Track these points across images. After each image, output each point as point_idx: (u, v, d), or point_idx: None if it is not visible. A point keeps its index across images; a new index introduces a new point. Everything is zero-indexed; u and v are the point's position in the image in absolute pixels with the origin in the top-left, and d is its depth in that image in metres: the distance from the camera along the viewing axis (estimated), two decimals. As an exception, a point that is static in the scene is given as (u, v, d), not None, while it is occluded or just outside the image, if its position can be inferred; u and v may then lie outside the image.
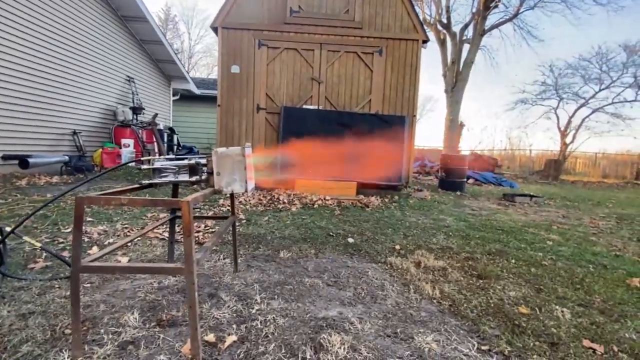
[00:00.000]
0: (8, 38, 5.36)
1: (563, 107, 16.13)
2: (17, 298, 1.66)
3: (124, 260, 2.24)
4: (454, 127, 15.94)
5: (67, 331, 1.37)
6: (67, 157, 5.98)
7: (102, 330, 1.40)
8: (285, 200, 4.84)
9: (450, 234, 3.63)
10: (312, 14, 5.89)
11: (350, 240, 3.15)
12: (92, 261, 1.19)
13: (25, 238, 2.06)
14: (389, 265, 2.51)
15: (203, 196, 1.39)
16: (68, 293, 1.71)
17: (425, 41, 6.15)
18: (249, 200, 4.75)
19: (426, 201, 5.84)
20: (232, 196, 2.18)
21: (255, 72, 5.92)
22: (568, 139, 15.73)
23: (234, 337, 1.40)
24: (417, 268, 2.47)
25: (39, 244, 1.77)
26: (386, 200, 5.57)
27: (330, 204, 4.94)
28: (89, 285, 1.85)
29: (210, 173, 1.59)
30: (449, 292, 2.06)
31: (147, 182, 1.58)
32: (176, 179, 1.64)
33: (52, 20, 6.22)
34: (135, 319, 1.50)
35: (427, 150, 19.66)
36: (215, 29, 5.89)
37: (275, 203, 4.69)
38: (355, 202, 5.17)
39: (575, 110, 15.64)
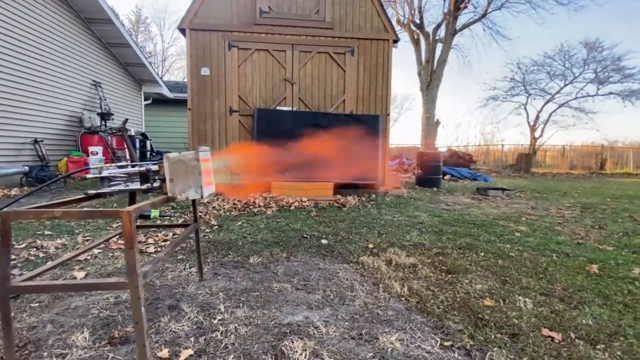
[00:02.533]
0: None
1: (531, 103, 16.78)
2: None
3: (80, 275, 2.12)
4: (430, 124, 16.29)
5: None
6: (26, 168, 5.65)
7: (45, 354, 1.31)
8: (261, 204, 4.76)
9: (424, 230, 3.68)
10: (283, 15, 5.84)
11: (324, 241, 3.12)
12: (26, 280, 1.10)
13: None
14: (360, 265, 2.50)
15: (151, 204, 1.32)
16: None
17: (395, 41, 6.23)
18: (223, 205, 4.64)
19: (402, 198, 5.92)
20: (194, 202, 2.10)
21: (227, 74, 5.80)
22: (537, 133, 16.38)
23: (190, 351, 1.34)
24: (388, 266, 2.47)
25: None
26: (363, 199, 5.59)
27: (307, 206, 4.90)
28: (36, 304, 1.72)
29: (163, 180, 1.52)
30: (417, 289, 2.07)
31: (93, 192, 1.49)
32: (126, 187, 1.56)
33: (7, 24, 5.86)
34: (85, 338, 1.41)
35: (405, 148, 20.02)
36: (183, 31, 5.73)
37: (251, 207, 4.61)
38: (332, 203, 5.16)
39: (543, 106, 16.31)
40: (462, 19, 16.61)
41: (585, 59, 15.47)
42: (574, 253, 2.95)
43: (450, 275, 2.33)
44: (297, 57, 5.95)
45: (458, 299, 1.94)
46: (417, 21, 16.95)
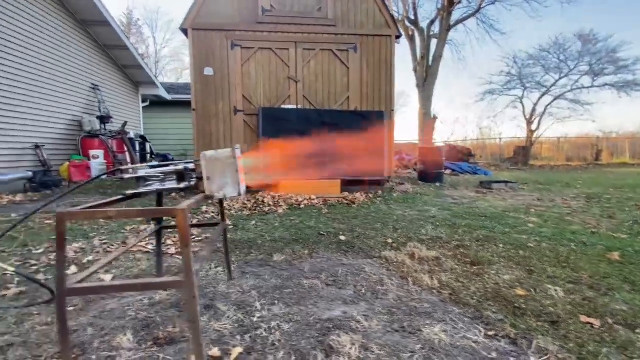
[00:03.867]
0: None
1: (527, 96, 16.95)
2: (-10, 330, 1.49)
3: (107, 278, 2.09)
4: (427, 120, 16.36)
5: (54, 361, 1.25)
6: (30, 173, 5.57)
7: (93, 357, 1.29)
8: (271, 203, 4.75)
9: (438, 224, 3.70)
10: (285, 13, 5.81)
11: (342, 237, 3.12)
12: (78, 282, 1.09)
13: (-6, 263, 1.87)
14: (384, 260, 2.51)
15: (197, 203, 1.31)
16: (50, 319, 1.57)
17: (398, 36, 6.24)
18: (233, 205, 4.62)
19: (409, 194, 5.94)
20: (221, 202, 2.09)
21: (230, 74, 5.76)
22: (534, 126, 16.55)
23: (239, 349, 1.33)
24: (412, 260, 2.48)
25: (11, 268, 1.61)
26: (371, 195, 5.60)
27: (317, 203, 4.90)
28: (72, 308, 1.70)
29: (200, 178, 1.51)
30: (447, 281, 2.08)
31: (130, 192, 1.47)
32: (163, 187, 1.54)
33: (5, 27, 5.76)
34: (129, 340, 1.40)
35: (403, 144, 20.07)
36: (185, 31, 5.68)
37: (261, 206, 4.59)
38: (341, 200, 5.17)
39: (539, 99, 16.49)
40: (456, 14, 16.68)
41: (580, 52, 15.65)
42: (590, 242, 2.98)
43: (475, 267, 2.34)
44: (301, 55, 5.93)
45: (490, 290, 1.95)
46: (412, 17, 16.99)
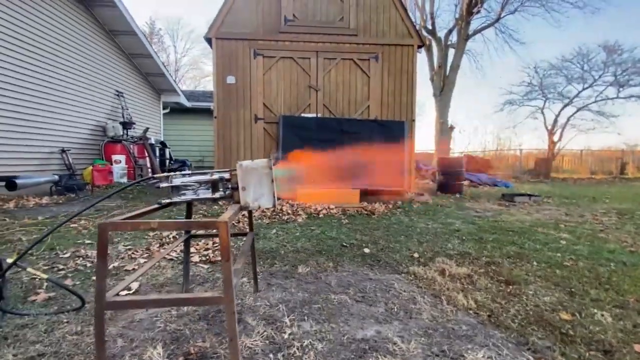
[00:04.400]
0: (-9, 55, 5.14)
1: (549, 107, 16.55)
2: (22, 338, 1.48)
3: (134, 286, 2.08)
4: (444, 130, 16.14)
5: (86, 374, 1.22)
6: (57, 177, 5.73)
7: (125, 370, 1.26)
8: (290, 211, 4.71)
9: (464, 238, 3.57)
10: (307, 22, 5.86)
11: (366, 250, 3.04)
12: (116, 294, 1.06)
13: (30, 269, 1.88)
14: (412, 276, 2.41)
15: (235, 214, 1.27)
16: (79, 328, 1.55)
17: (420, 46, 6.19)
18: (253, 213, 4.60)
19: (429, 205, 5.80)
20: (250, 211, 2.05)
21: (252, 82, 5.82)
22: (555, 137, 16.08)
23: (274, 369, 1.27)
24: (442, 277, 2.37)
25: (45, 275, 1.61)
26: (390, 206, 5.49)
27: (336, 213, 4.83)
28: (101, 317, 1.68)
29: (235, 188, 1.48)
30: (483, 301, 1.97)
31: (166, 201, 1.45)
32: (197, 196, 1.52)
33: (38, 37, 6.02)
34: (160, 354, 1.36)
35: (419, 154, 19.82)
36: (209, 40, 5.79)
37: (280, 214, 4.56)
38: (360, 210, 5.08)
39: (561, 110, 16.04)
40: (474, 24, 16.54)
41: (605, 62, 15.20)
42: (630, 262, 2.80)
43: (511, 287, 2.22)
44: (322, 64, 5.95)
45: (531, 312, 1.84)
46: (429, 27, 16.95)
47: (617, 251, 3.15)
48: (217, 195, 1.49)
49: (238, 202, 1.47)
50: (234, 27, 5.75)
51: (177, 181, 1.49)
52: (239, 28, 5.76)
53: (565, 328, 1.66)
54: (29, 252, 2.72)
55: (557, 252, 3.09)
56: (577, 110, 15.92)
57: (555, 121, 16.06)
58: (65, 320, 1.64)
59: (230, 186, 1.50)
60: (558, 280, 2.35)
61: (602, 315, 1.81)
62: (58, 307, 1.79)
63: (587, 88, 15.82)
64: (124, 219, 1.04)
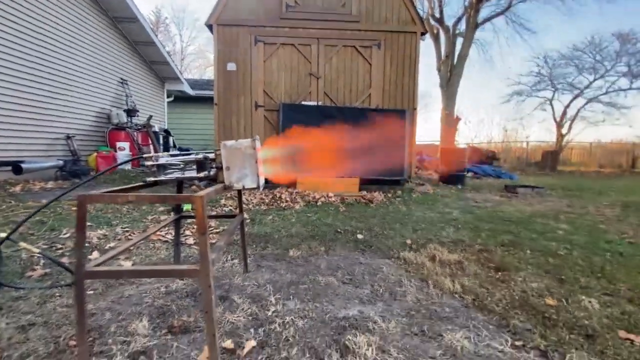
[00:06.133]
0: (-4, 41, 5.19)
1: (558, 98, 16.16)
2: (15, 309, 1.54)
3: (127, 264, 2.13)
4: (450, 121, 15.92)
5: (72, 343, 1.27)
6: (62, 162, 5.82)
7: (109, 341, 1.30)
8: (288, 199, 4.74)
9: (459, 226, 3.56)
10: (308, 9, 5.78)
11: (360, 236, 3.06)
12: (96, 266, 1.09)
13: (22, 244, 1.94)
14: (402, 261, 2.43)
15: (215, 192, 1.29)
16: (71, 301, 1.60)
17: (423, 33, 6.07)
18: (251, 199, 4.64)
19: (429, 195, 5.77)
20: (239, 193, 2.08)
21: (252, 69, 5.79)
22: (564, 130, 15.77)
23: (253, 342, 1.31)
24: (432, 262, 2.38)
25: (36, 250, 1.66)
26: (389, 195, 5.49)
27: (334, 201, 4.85)
28: (91, 292, 1.73)
29: (220, 168, 1.49)
30: (470, 286, 1.98)
31: (152, 179, 1.48)
32: (183, 176, 1.54)
33: (43, 23, 6.04)
34: (145, 326, 1.40)
35: (423, 145, 19.64)
36: (210, 27, 5.75)
37: (278, 202, 4.59)
38: (359, 198, 5.09)
39: (571, 101, 15.70)
40: (483, 12, 16.11)
41: (618, 52, 14.75)
42: (627, 253, 2.77)
43: (500, 273, 2.23)
44: (323, 51, 5.88)
45: (516, 297, 1.84)
46: (437, 15, 16.55)
47: (616, 242, 3.12)
48: (201, 174, 1.50)
49: (222, 182, 1.49)
50: (235, 13, 5.70)
51: (162, 160, 1.51)
52: (240, 14, 5.70)
53: (549, 313, 1.67)
54: (31, 232, 2.80)
55: (553, 241, 3.07)
56: (588, 102, 15.56)
57: (564, 113, 15.72)
58: (57, 294, 1.70)
59: (214, 166, 1.51)
60: (549, 268, 2.34)
61: (590, 302, 1.81)
62: (52, 282, 1.85)
63: (598, 78, 15.42)
64: (104, 192, 1.06)
